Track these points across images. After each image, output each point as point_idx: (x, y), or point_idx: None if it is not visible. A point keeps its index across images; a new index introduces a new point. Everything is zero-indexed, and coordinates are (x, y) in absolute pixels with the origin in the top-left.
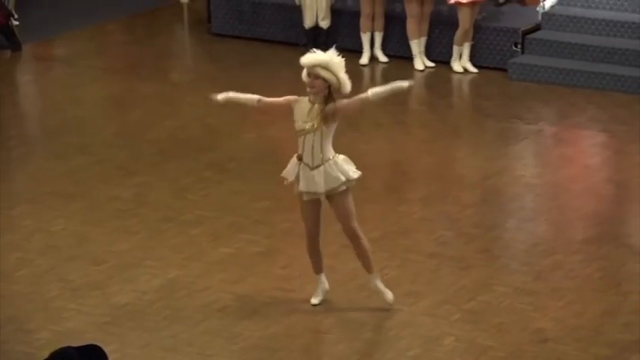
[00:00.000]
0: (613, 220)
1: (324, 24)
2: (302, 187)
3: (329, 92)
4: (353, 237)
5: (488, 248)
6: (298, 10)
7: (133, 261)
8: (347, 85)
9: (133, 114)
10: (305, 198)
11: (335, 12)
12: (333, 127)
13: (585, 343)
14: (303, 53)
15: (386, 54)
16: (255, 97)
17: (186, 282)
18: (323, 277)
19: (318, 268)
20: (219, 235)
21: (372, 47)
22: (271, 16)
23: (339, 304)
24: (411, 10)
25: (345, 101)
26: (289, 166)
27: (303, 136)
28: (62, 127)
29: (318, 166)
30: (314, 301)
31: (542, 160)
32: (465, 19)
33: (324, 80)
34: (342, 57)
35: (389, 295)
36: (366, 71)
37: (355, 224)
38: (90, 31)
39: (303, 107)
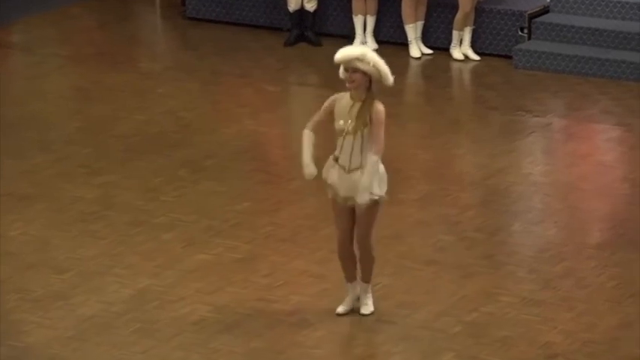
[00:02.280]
0: (629, 222)
1: (310, 6)
2: (341, 191)
3: (370, 88)
4: (363, 249)
5: (491, 254)
6: None
7: (99, 269)
8: (389, 75)
9: (98, 107)
10: (340, 201)
11: None
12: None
13: (598, 358)
14: (286, 38)
15: (378, 40)
16: (308, 131)
17: (158, 292)
18: (356, 285)
19: (349, 276)
20: (194, 240)
21: (364, 32)
22: None
23: (328, 316)
24: None
25: (381, 127)
26: (327, 166)
27: (342, 137)
28: (20, 121)
29: (355, 170)
30: (340, 310)
31: (551, 157)
32: (465, 1)
33: (364, 73)
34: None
35: (369, 308)
36: None
37: (371, 240)
38: (52, 15)
39: (344, 105)
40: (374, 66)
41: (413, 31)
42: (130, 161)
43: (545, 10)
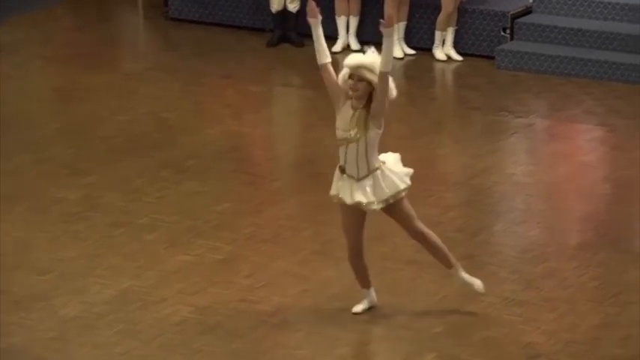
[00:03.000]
0: (611, 223)
1: (293, 7)
2: (346, 198)
3: (371, 98)
4: (421, 238)
5: (473, 254)
6: None
7: (81, 270)
8: (393, 90)
9: (81, 108)
10: (348, 203)
11: None
12: (378, 135)
13: (580, 358)
14: (269, 39)
15: (361, 41)
16: (326, 58)
17: (141, 293)
18: (372, 292)
19: (364, 283)
20: (176, 241)
21: (347, 32)
22: None
23: (310, 317)
24: None
25: (374, 102)
26: (335, 180)
27: (345, 146)
28: (2, 122)
29: (364, 177)
30: (356, 309)
31: (533, 157)
32: (447, 1)
33: (369, 83)
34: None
35: (477, 284)
36: (340, 60)
37: (419, 224)
38: (34, 16)
39: (346, 113)
40: None
41: (395, 31)
42: (113, 162)
43: (528, 11)
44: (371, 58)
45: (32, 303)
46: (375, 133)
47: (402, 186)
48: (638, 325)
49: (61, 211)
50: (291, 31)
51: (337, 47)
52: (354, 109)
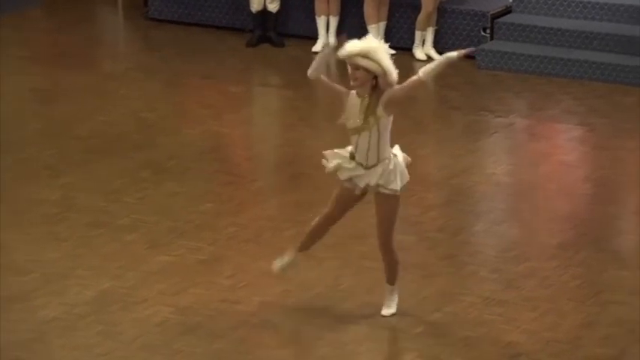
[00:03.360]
0: (591, 222)
1: (273, 7)
2: (362, 182)
3: (376, 83)
4: (385, 252)
5: (454, 254)
6: None
7: (61, 271)
8: (393, 72)
9: (59, 108)
10: (347, 185)
11: None
12: (389, 122)
13: (561, 357)
14: (249, 39)
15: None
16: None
17: (121, 294)
18: (297, 258)
19: (304, 247)
20: (157, 241)
21: (327, 32)
22: None
23: (292, 317)
24: None
25: (395, 88)
26: (336, 152)
27: (357, 135)
28: None
29: (373, 166)
30: (276, 263)
31: (513, 157)
32: (427, 1)
33: (366, 70)
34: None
35: (390, 310)
36: None
37: (393, 243)
38: (12, 18)
39: (354, 103)
40: (377, 62)
41: (375, 31)
42: (92, 163)
43: (508, 11)
44: (362, 44)
45: (12, 304)
46: (386, 120)
47: (399, 183)
48: (618, 325)
49: (41, 211)
50: (271, 31)
51: (317, 47)
52: (361, 97)
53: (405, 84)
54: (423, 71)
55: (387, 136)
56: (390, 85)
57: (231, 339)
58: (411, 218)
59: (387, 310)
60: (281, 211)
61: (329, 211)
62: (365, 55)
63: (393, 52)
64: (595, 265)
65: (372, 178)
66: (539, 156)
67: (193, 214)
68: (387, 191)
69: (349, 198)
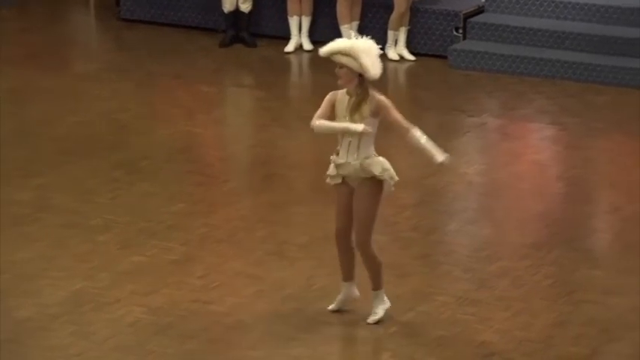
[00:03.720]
0: (564, 221)
1: (246, 7)
2: (331, 171)
3: (362, 81)
4: (362, 252)
5: (427, 254)
6: None
7: (34, 271)
8: (370, 69)
9: (32, 109)
10: (331, 182)
11: None
12: (374, 123)
13: (534, 357)
14: (221, 39)
15: (313, 40)
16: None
17: (94, 294)
18: (351, 286)
19: (344, 275)
20: (129, 242)
21: (300, 32)
22: None
23: (264, 317)
24: None
25: (392, 110)
26: (332, 162)
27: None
28: None
29: (354, 163)
30: (330, 307)
31: (486, 156)
32: (400, 1)
33: (349, 68)
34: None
35: (375, 317)
36: (292, 60)
37: (369, 240)
38: None
39: (342, 101)
40: (356, 60)
41: (348, 31)
42: (65, 163)
43: (480, 10)
44: (343, 42)
45: None
46: (370, 120)
47: (379, 170)
48: (591, 324)
49: (14, 212)
50: (244, 31)
51: (290, 47)
52: (349, 94)
53: (400, 119)
54: (415, 133)
55: (370, 137)
56: (373, 82)
57: (204, 339)
58: (385, 218)
59: (372, 318)
60: (254, 211)
61: (336, 223)
62: (346, 53)
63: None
64: (567, 265)
65: (350, 171)
66: (511, 155)
67: (166, 214)
68: (363, 174)
69: (341, 197)
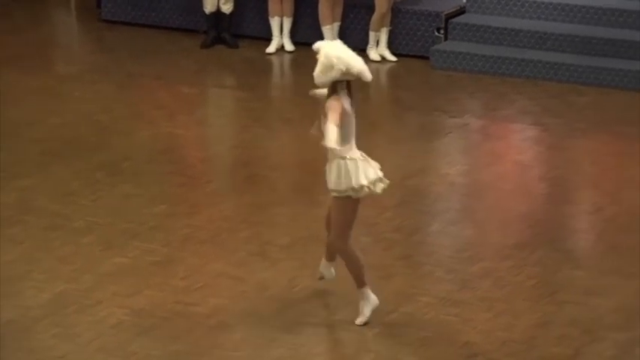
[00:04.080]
0: (547, 222)
1: (227, 8)
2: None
3: (333, 87)
4: (338, 254)
5: (409, 255)
6: None
7: (16, 273)
8: (318, 68)
9: (13, 110)
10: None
11: None
12: (341, 123)
13: (517, 357)
14: (203, 40)
15: (295, 41)
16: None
17: (77, 296)
18: (330, 267)
19: (327, 255)
20: (111, 243)
21: (281, 33)
22: (168, 0)
23: (247, 319)
24: None
25: (333, 109)
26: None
27: None
28: None
29: (331, 161)
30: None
31: (468, 157)
32: (381, 2)
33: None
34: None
35: (362, 318)
36: (274, 61)
37: (341, 243)
38: None
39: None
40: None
41: (330, 32)
42: (47, 165)
43: (462, 11)
44: (317, 44)
45: None
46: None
47: (342, 187)
48: (574, 324)
49: None
50: (225, 32)
51: (271, 48)
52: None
53: (330, 120)
54: (329, 141)
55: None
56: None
57: (187, 341)
58: (367, 219)
59: (359, 319)
60: (236, 212)
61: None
62: (321, 56)
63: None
64: (550, 265)
65: (328, 181)
66: (493, 156)
67: (148, 215)
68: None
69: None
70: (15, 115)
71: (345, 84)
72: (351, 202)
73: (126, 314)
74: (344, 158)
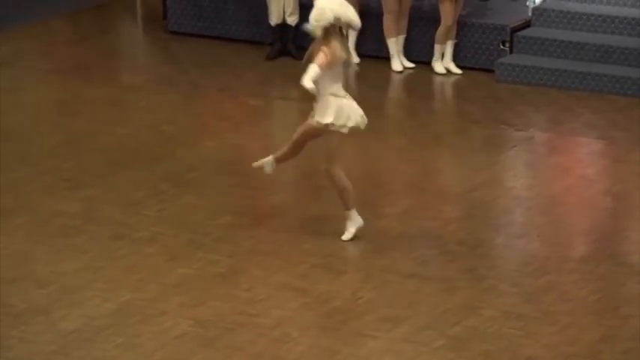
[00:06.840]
0: (611, 236)
1: (292, 20)
2: None
3: (326, 32)
4: (327, 178)
5: (474, 268)
6: (263, 5)
7: (81, 283)
8: (312, 14)
9: (79, 120)
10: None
11: (304, 7)
12: (328, 66)
13: None
14: (268, 52)
15: (360, 54)
16: None
17: (141, 306)
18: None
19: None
20: (176, 254)
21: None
22: (233, 12)
23: (310, 330)
24: (388, 6)
25: (323, 53)
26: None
27: None
28: (1, 134)
29: (320, 98)
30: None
31: (533, 171)
32: (447, 14)
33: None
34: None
35: (348, 235)
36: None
37: (331, 168)
38: (32, 29)
39: None
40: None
41: (394, 44)
42: (112, 175)
43: (527, 24)
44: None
45: (32, 316)
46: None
47: (323, 122)
48: (638, 339)
49: (61, 223)
50: (290, 44)
51: None
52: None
53: (315, 63)
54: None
55: (326, 77)
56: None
57: (250, 352)
58: (432, 231)
59: (345, 235)
60: (300, 224)
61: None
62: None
63: (412, 65)
64: (614, 279)
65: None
66: (558, 170)
67: (212, 226)
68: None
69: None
70: (80, 125)
71: (337, 29)
72: (339, 133)
73: (190, 325)
74: (336, 96)
